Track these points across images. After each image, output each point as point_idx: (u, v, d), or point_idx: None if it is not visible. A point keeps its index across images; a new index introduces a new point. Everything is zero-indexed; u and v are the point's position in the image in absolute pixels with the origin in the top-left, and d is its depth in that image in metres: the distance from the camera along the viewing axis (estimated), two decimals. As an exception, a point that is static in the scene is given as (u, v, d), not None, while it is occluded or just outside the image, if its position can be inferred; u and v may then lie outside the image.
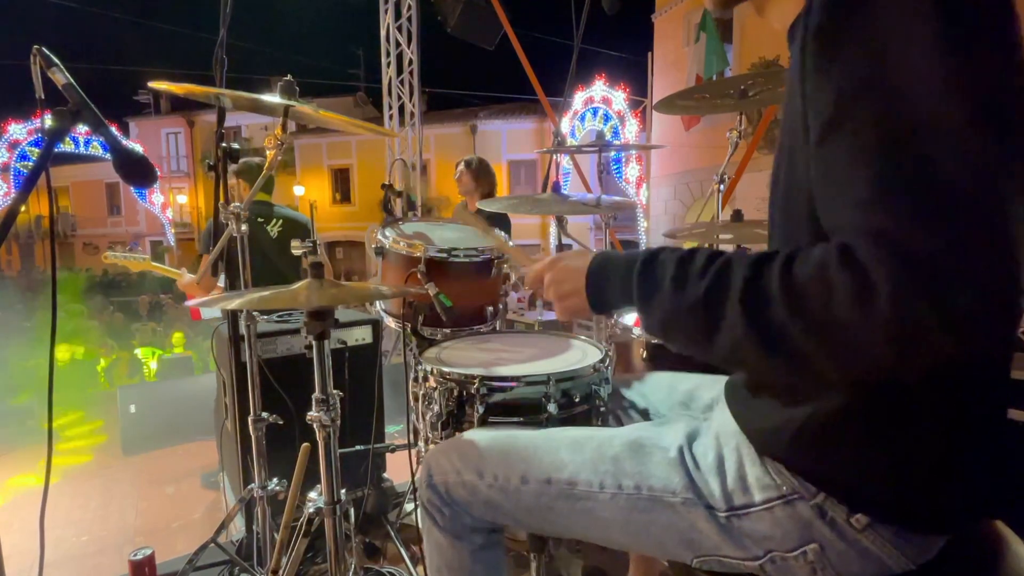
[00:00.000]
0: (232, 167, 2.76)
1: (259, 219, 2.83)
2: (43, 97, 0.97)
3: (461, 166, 3.39)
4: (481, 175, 3.36)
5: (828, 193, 0.59)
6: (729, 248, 2.21)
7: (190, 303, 1.21)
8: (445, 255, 1.46)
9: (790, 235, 0.71)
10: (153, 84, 1.40)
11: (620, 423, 1.20)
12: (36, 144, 12.96)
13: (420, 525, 1.06)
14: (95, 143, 13.32)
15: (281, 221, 2.91)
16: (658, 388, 1.19)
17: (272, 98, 1.45)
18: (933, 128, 0.52)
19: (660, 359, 1.77)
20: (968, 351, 0.52)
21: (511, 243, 1.52)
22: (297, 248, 1.45)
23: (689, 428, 0.88)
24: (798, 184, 0.66)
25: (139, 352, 7.05)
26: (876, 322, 0.52)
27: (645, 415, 1.18)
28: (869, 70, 0.55)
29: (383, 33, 7.10)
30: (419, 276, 1.41)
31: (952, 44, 0.52)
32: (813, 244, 0.58)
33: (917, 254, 0.50)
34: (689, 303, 0.65)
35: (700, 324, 0.64)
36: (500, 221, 3.38)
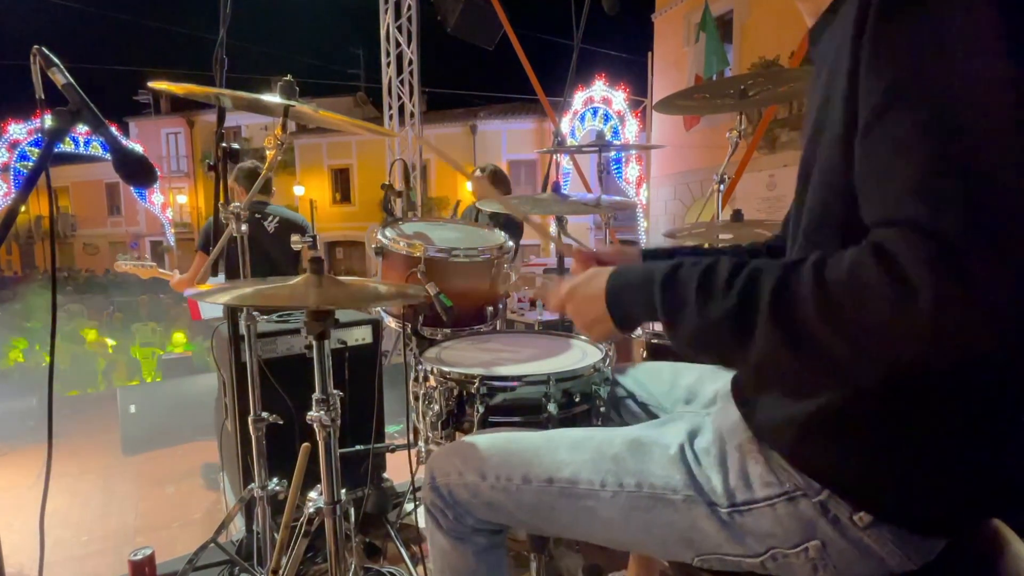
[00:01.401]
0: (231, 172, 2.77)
1: (255, 215, 2.85)
2: (43, 97, 0.97)
3: (478, 172, 3.56)
4: (496, 181, 3.54)
5: (870, 182, 0.58)
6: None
7: (188, 293, 1.20)
8: (445, 255, 1.46)
9: (819, 236, 0.70)
10: (153, 84, 1.40)
11: (620, 416, 1.20)
12: (36, 144, 12.95)
13: (422, 527, 1.06)
14: (95, 143, 13.31)
15: (278, 218, 2.94)
16: (659, 380, 1.18)
17: (272, 98, 1.45)
18: (983, 122, 0.51)
19: (661, 357, 1.76)
20: (1009, 349, 0.50)
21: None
22: (297, 242, 1.45)
23: (690, 425, 0.88)
24: (835, 181, 0.65)
25: (136, 354, 7.06)
26: (916, 324, 0.50)
27: (645, 408, 1.17)
28: (925, 59, 0.54)
29: (383, 33, 7.10)
30: (419, 276, 1.41)
31: (1013, 39, 0.51)
32: (843, 247, 0.57)
33: (958, 249, 0.49)
34: (717, 317, 0.64)
35: (731, 338, 0.63)
36: (511, 225, 3.44)
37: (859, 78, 0.60)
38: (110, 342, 7.59)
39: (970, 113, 0.52)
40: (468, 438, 1.02)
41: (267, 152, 1.53)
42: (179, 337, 7.17)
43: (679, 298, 0.69)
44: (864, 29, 0.59)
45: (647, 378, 1.21)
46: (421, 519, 1.06)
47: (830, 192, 0.67)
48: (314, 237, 1.48)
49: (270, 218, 2.93)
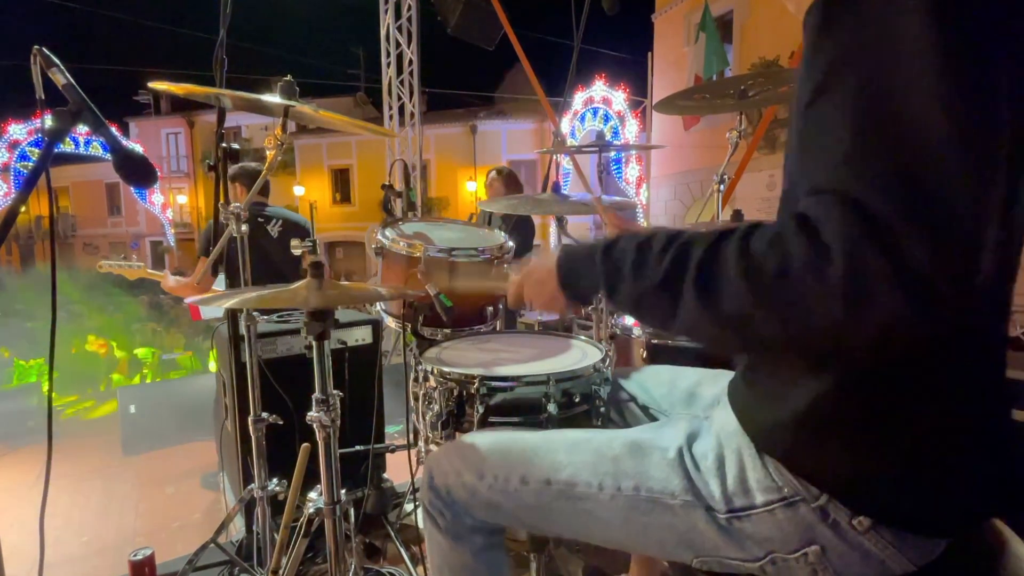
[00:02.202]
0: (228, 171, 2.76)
1: (259, 219, 2.82)
2: (43, 97, 0.97)
3: (493, 174, 3.81)
4: (511, 182, 3.75)
5: (801, 158, 0.61)
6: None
7: (190, 300, 1.21)
8: (445, 255, 1.46)
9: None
10: (153, 84, 1.40)
11: (621, 417, 1.20)
12: (36, 144, 12.95)
13: (422, 527, 1.06)
14: (95, 143, 13.31)
15: (281, 221, 2.91)
16: (659, 383, 1.19)
17: (272, 98, 1.45)
18: (914, 103, 0.53)
19: (660, 358, 1.76)
20: (922, 317, 0.52)
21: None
22: (297, 247, 1.45)
23: (689, 428, 0.88)
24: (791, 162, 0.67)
25: (138, 352, 7.04)
26: (830, 279, 0.53)
27: (645, 410, 1.17)
28: (862, 39, 0.57)
29: (383, 33, 7.10)
30: (419, 276, 1.41)
31: (944, 19, 0.53)
32: None
33: (874, 211, 0.52)
34: (650, 283, 0.68)
35: (662, 302, 0.67)
36: (523, 225, 3.47)
37: (806, 59, 0.62)
38: (111, 342, 7.58)
39: (902, 92, 0.54)
40: (467, 438, 1.02)
41: (267, 152, 1.53)
42: (178, 340, 7.16)
43: (616, 266, 0.73)
44: (811, 12, 0.61)
45: (648, 381, 1.21)
46: (421, 519, 1.06)
47: (789, 173, 0.70)
48: (314, 242, 1.47)
49: (273, 221, 2.89)
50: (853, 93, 0.56)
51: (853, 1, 0.58)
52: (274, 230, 2.87)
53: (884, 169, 0.53)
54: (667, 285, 0.66)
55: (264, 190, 2.98)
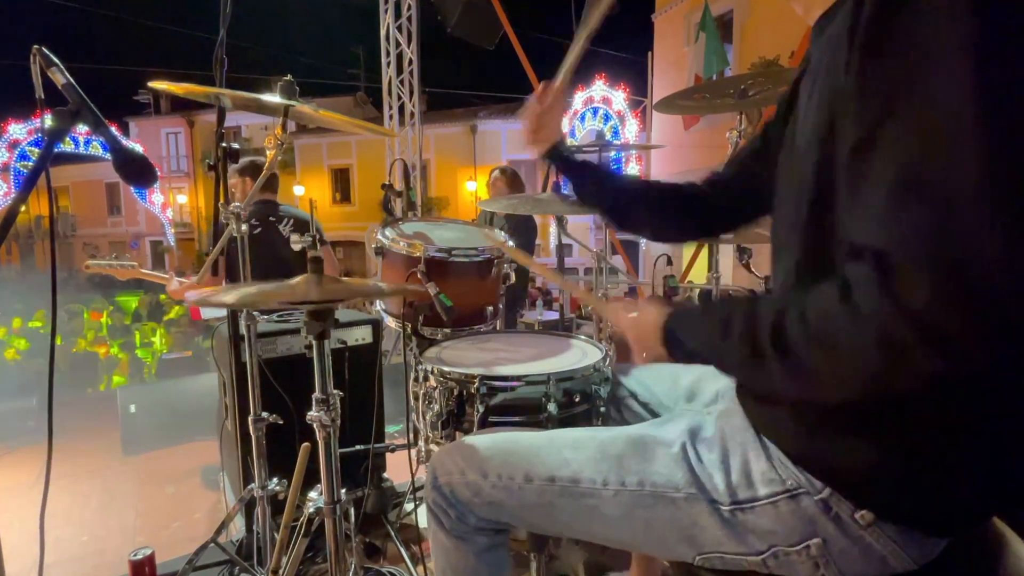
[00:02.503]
0: (236, 164, 2.72)
1: (270, 218, 2.80)
2: (43, 97, 0.97)
3: (496, 173, 3.79)
4: (514, 182, 3.73)
5: (849, 203, 0.62)
6: (728, 247, 2.21)
7: (190, 297, 1.21)
8: (445, 255, 1.46)
9: (818, 258, 0.71)
10: (153, 84, 1.40)
11: (620, 414, 1.20)
12: (36, 144, 12.96)
13: (426, 527, 1.06)
14: (95, 143, 13.32)
15: (293, 221, 2.88)
16: (660, 380, 1.19)
17: (272, 98, 1.45)
18: (950, 162, 0.53)
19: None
20: (960, 369, 0.55)
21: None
22: (297, 242, 1.45)
23: (692, 423, 0.88)
24: (804, 188, 0.70)
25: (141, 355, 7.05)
26: (865, 348, 0.57)
27: (647, 407, 1.17)
28: (904, 94, 0.57)
29: (383, 33, 7.10)
30: (419, 276, 1.41)
31: (983, 78, 0.53)
32: (806, 246, 0.67)
33: (908, 279, 0.53)
34: (739, 362, 0.74)
35: (751, 376, 0.78)
36: (524, 225, 3.47)
37: (840, 107, 0.63)
38: (112, 342, 7.59)
39: (938, 152, 0.54)
40: (470, 438, 1.03)
41: (267, 152, 1.53)
42: (162, 334, 7.14)
43: (711, 346, 0.79)
44: (852, 52, 0.61)
45: (649, 378, 1.21)
46: (421, 519, 1.06)
47: (800, 198, 0.71)
48: (315, 238, 1.47)
49: (284, 221, 2.84)
50: (892, 149, 0.57)
51: (895, 42, 0.57)
52: (285, 230, 2.85)
53: (916, 230, 0.54)
54: (752, 360, 0.70)
55: (273, 187, 2.94)
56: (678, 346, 0.85)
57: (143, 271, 2.55)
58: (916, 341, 0.53)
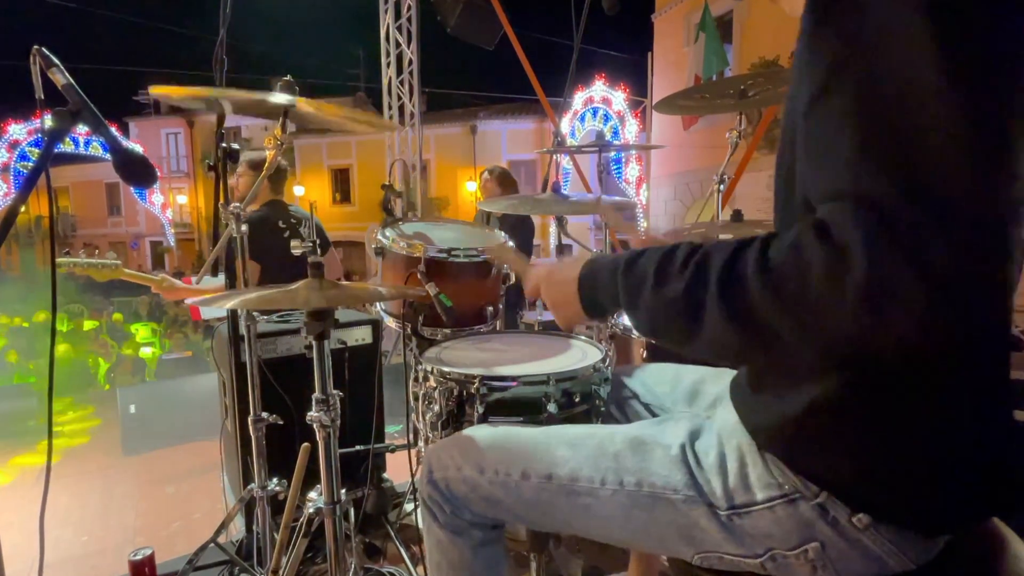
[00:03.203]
0: (248, 157, 2.67)
1: (279, 222, 2.76)
2: (43, 97, 0.97)
3: (485, 174, 3.75)
4: (504, 182, 3.69)
5: (811, 163, 0.61)
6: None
7: (190, 301, 1.21)
8: (445, 255, 1.46)
9: (784, 217, 0.72)
10: (154, 89, 1.39)
11: (623, 414, 1.20)
12: (36, 144, 12.96)
13: (420, 521, 1.06)
14: (95, 143, 13.32)
15: (304, 223, 2.85)
16: (662, 380, 1.19)
17: (277, 98, 1.45)
18: (915, 93, 0.53)
19: (660, 358, 1.76)
20: (948, 320, 0.52)
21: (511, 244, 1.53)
22: (297, 248, 1.45)
23: (692, 426, 0.88)
24: (790, 162, 0.68)
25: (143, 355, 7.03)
26: (852, 286, 0.52)
27: (648, 408, 1.17)
28: (856, 40, 0.56)
29: (383, 33, 7.10)
30: (419, 276, 1.41)
31: (940, 19, 0.53)
32: None
33: (893, 212, 0.52)
34: (670, 298, 0.67)
35: (683, 318, 0.65)
36: (522, 225, 3.47)
37: (802, 61, 0.62)
38: (112, 343, 7.59)
39: (900, 89, 0.54)
40: (467, 431, 1.02)
41: (267, 152, 1.53)
42: (144, 332, 7.11)
43: (636, 281, 0.72)
44: (807, 13, 0.61)
45: (651, 379, 1.21)
46: (421, 519, 1.06)
47: (788, 173, 0.69)
48: (315, 242, 1.47)
49: (303, 223, 2.76)
50: (855, 92, 0.55)
51: (843, 2, 0.58)
52: (303, 231, 2.79)
53: (894, 166, 0.53)
54: (688, 299, 0.64)
55: (280, 188, 2.90)
56: (593, 291, 0.81)
57: (127, 271, 2.16)
58: (907, 272, 0.51)
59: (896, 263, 0.51)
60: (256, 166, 2.76)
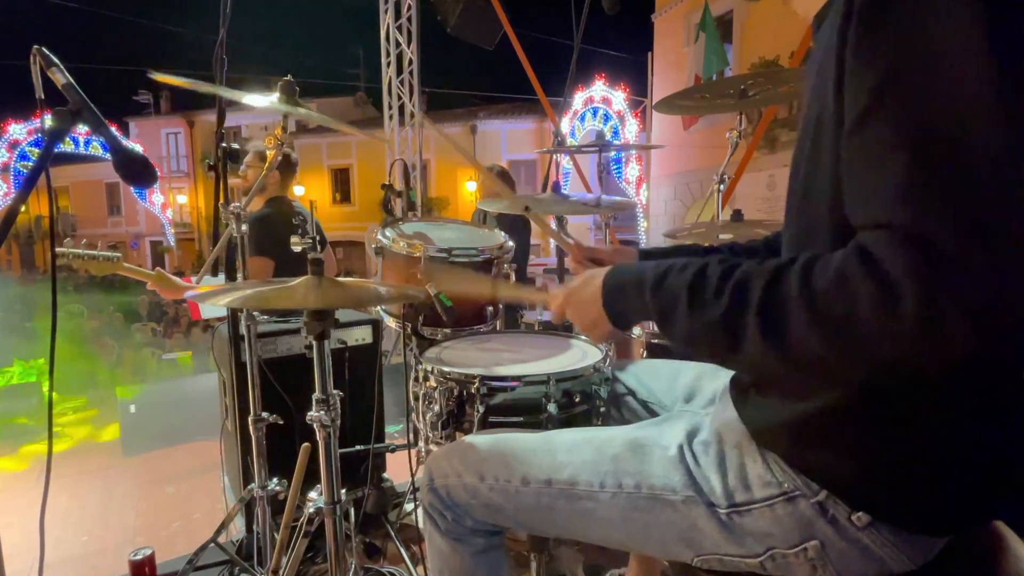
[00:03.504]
0: (258, 148, 2.64)
1: (292, 219, 2.73)
2: (43, 97, 0.97)
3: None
4: (503, 181, 3.56)
5: (855, 185, 0.59)
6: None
7: (189, 295, 1.21)
8: (445, 255, 1.46)
9: (807, 235, 0.71)
10: (154, 75, 1.39)
11: (620, 413, 1.20)
12: (36, 144, 12.96)
13: (422, 527, 1.06)
14: (95, 143, 13.32)
15: (307, 221, 2.82)
16: (658, 378, 1.18)
17: (272, 98, 1.45)
18: (965, 126, 0.51)
19: (660, 356, 1.76)
20: (995, 347, 0.52)
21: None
22: (297, 244, 1.45)
23: (689, 425, 0.88)
24: (820, 180, 0.66)
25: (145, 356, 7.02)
26: (901, 327, 0.52)
27: (645, 405, 1.17)
28: (910, 60, 0.54)
29: (383, 33, 7.10)
30: (419, 276, 1.41)
31: (997, 41, 0.51)
32: (831, 244, 0.59)
33: (941, 251, 0.50)
34: (708, 322, 0.66)
35: (722, 342, 0.65)
36: (519, 225, 3.46)
37: (843, 81, 0.60)
38: (112, 343, 7.59)
39: (952, 116, 0.52)
40: (467, 439, 1.02)
41: (267, 152, 1.53)
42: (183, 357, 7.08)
43: (670, 302, 0.71)
44: (848, 31, 0.59)
45: (647, 375, 1.21)
46: (421, 519, 1.06)
47: (817, 189, 0.68)
48: (314, 239, 1.46)
49: (305, 220, 2.78)
50: (907, 114, 0.54)
51: (902, 14, 0.55)
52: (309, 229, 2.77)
53: (947, 199, 0.51)
54: (728, 323, 0.63)
55: (287, 183, 2.89)
56: (621, 309, 0.81)
57: (126, 265, 2.07)
58: (957, 308, 0.49)
59: (947, 303, 0.50)
60: (265, 157, 2.73)
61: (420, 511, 1.07)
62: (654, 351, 1.83)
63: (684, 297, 0.68)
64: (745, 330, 0.62)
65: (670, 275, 0.72)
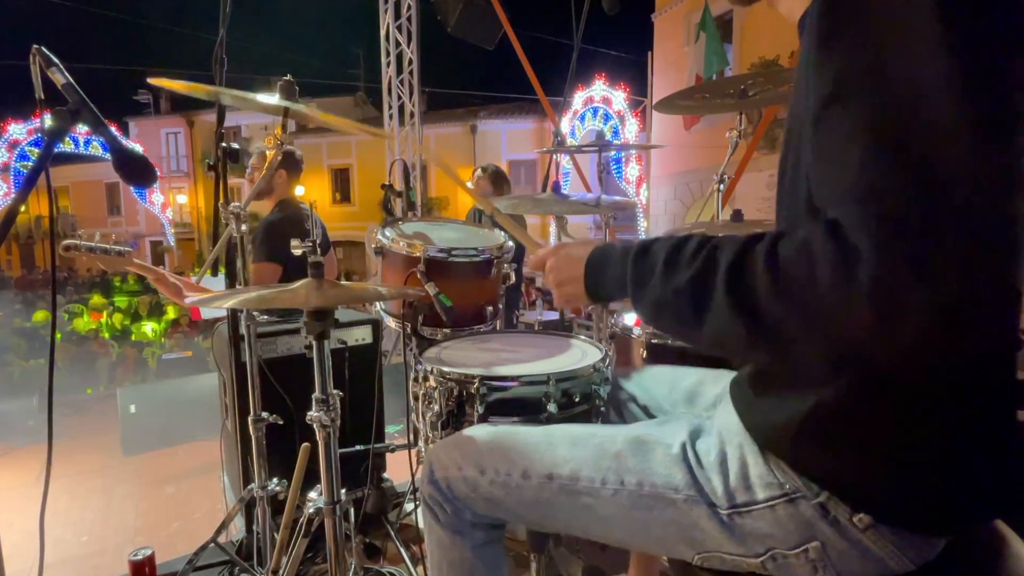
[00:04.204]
0: (264, 149, 2.61)
1: (304, 223, 2.68)
2: (43, 97, 0.97)
3: (478, 172, 3.65)
4: (497, 181, 3.61)
5: (821, 170, 0.61)
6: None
7: (189, 300, 1.21)
8: (445, 255, 1.46)
9: (790, 223, 0.72)
10: (152, 80, 1.39)
11: (621, 417, 1.20)
12: (36, 144, 12.97)
13: (421, 521, 1.06)
14: (95, 143, 13.33)
15: (319, 227, 2.80)
16: (660, 383, 1.18)
17: (272, 98, 1.45)
18: (927, 103, 0.53)
19: (660, 358, 1.76)
20: (955, 326, 0.52)
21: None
22: (297, 247, 1.44)
23: (692, 425, 0.88)
24: (801, 172, 0.67)
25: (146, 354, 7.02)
26: (859, 288, 0.53)
27: (646, 411, 1.17)
28: (869, 51, 0.56)
29: (383, 33, 7.10)
30: (419, 276, 1.41)
31: (949, 24, 0.53)
32: None
33: (903, 215, 0.52)
34: (677, 286, 0.67)
35: (688, 307, 0.66)
36: (515, 221, 3.44)
37: (810, 68, 0.62)
38: (112, 343, 7.60)
39: (912, 98, 0.54)
40: (468, 431, 1.02)
41: (267, 152, 1.53)
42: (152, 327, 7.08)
43: (647, 268, 0.73)
44: (815, 21, 0.61)
45: (648, 381, 1.21)
46: (421, 519, 1.06)
47: (793, 175, 0.70)
48: (314, 242, 1.46)
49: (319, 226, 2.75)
50: (865, 98, 0.56)
51: (859, 11, 0.58)
52: (314, 231, 2.73)
53: (905, 168, 0.53)
54: (695, 289, 0.65)
55: (293, 184, 2.86)
56: (600, 274, 0.82)
57: (137, 261, 2.02)
58: (920, 283, 0.51)
59: (905, 267, 0.51)
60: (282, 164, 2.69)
61: (420, 509, 1.07)
62: (654, 351, 1.83)
63: (660, 263, 0.70)
64: (711, 297, 0.63)
65: (656, 243, 0.74)
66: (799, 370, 0.73)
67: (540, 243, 1.07)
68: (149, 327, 7.46)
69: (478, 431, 1.01)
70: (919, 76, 0.54)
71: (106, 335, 7.74)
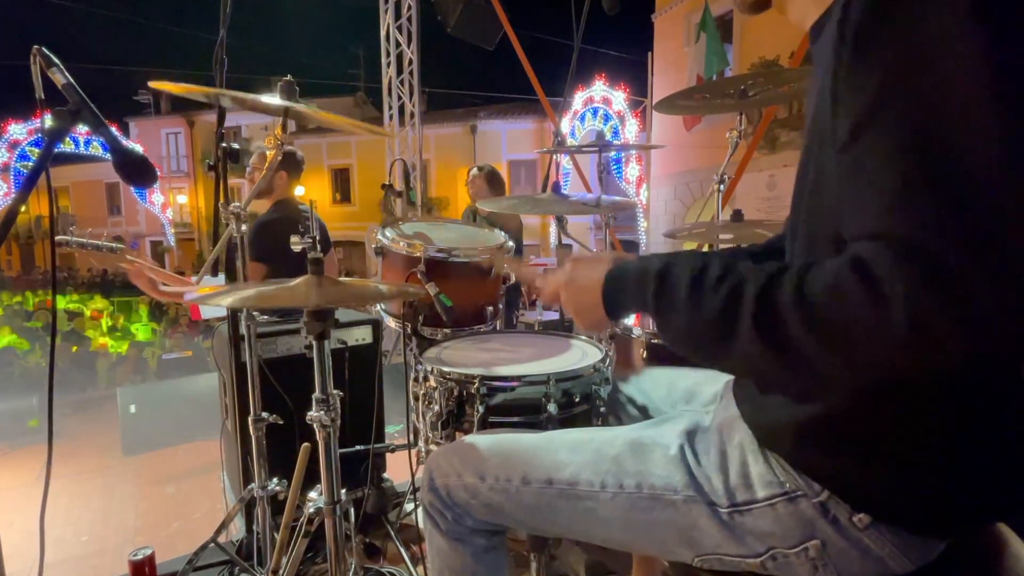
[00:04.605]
0: (264, 150, 2.60)
1: (299, 225, 2.68)
2: (43, 97, 0.97)
3: (474, 171, 3.62)
4: (492, 180, 3.58)
5: (850, 197, 0.59)
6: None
7: (189, 298, 1.21)
8: (445, 255, 1.46)
9: (812, 248, 0.71)
10: (153, 84, 1.40)
11: (619, 420, 1.20)
12: (36, 144, 12.97)
13: (422, 527, 1.06)
14: (95, 143, 13.34)
15: (319, 228, 2.78)
16: (658, 385, 1.18)
17: (272, 98, 1.45)
18: (963, 136, 0.51)
19: (660, 358, 1.76)
20: (987, 354, 0.52)
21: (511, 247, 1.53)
22: (296, 244, 1.44)
23: (690, 424, 0.88)
24: (827, 196, 0.65)
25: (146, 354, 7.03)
26: (891, 330, 0.52)
27: (644, 412, 1.17)
28: (904, 74, 0.54)
29: (383, 33, 7.11)
30: (419, 276, 1.41)
31: (991, 54, 0.51)
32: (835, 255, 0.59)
33: (934, 258, 0.50)
34: (704, 320, 0.66)
35: (715, 341, 0.66)
36: (510, 225, 3.44)
37: (839, 92, 0.60)
38: (112, 342, 7.60)
39: (950, 127, 0.52)
40: (467, 438, 1.02)
41: (267, 152, 1.53)
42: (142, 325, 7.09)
43: (670, 298, 0.71)
44: (844, 43, 0.59)
45: (646, 383, 1.21)
46: (421, 519, 1.06)
47: (822, 201, 0.68)
48: (314, 239, 1.46)
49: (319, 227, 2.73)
50: (898, 130, 0.54)
51: (897, 30, 0.55)
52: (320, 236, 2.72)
53: (937, 209, 0.51)
54: (722, 326, 0.64)
55: (293, 185, 2.85)
56: (621, 301, 0.81)
57: (129, 257, 1.97)
58: (949, 318, 0.50)
59: (942, 314, 0.50)
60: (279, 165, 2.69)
61: (420, 511, 1.06)
62: (654, 351, 1.83)
63: (683, 295, 0.69)
64: (737, 330, 0.62)
65: (673, 270, 0.72)
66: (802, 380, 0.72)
67: (539, 271, 1.06)
68: (139, 331, 7.47)
69: (478, 438, 1.01)
70: (958, 107, 0.51)
71: (105, 334, 7.74)
